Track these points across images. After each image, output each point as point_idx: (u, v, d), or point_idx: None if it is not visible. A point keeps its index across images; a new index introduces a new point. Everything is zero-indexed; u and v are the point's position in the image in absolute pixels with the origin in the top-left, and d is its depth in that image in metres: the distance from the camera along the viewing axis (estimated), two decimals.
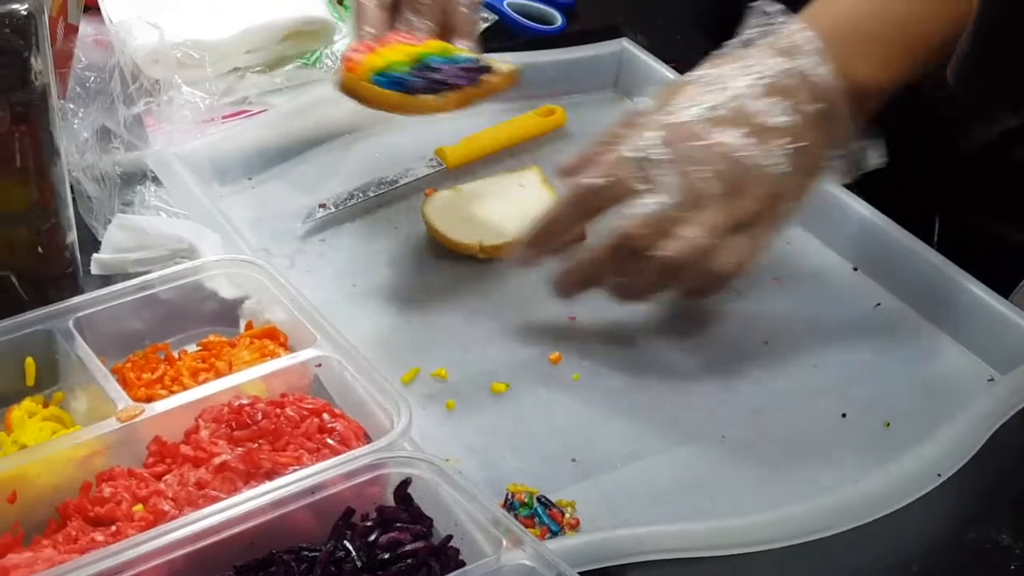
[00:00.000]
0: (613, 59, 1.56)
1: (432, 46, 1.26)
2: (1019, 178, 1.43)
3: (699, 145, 1.14)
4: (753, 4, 1.19)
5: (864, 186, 1.37)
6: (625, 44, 1.56)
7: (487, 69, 1.27)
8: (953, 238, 1.31)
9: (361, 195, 1.37)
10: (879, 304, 1.28)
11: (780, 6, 1.18)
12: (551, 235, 1.20)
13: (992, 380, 1.20)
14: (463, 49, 1.30)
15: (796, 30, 1.16)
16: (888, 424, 1.16)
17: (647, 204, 1.13)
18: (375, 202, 1.37)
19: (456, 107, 1.25)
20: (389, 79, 1.23)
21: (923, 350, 1.24)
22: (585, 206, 1.18)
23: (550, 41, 1.62)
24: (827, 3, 1.19)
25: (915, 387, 1.20)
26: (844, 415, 1.17)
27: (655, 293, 1.19)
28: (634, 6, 1.74)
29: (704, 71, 1.18)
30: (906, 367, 1.22)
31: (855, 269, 1.32)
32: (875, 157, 1.20)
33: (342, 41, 1.54)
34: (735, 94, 1.15)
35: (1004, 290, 1.26)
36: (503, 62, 1.30)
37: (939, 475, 1.08)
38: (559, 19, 1.67)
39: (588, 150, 1.19)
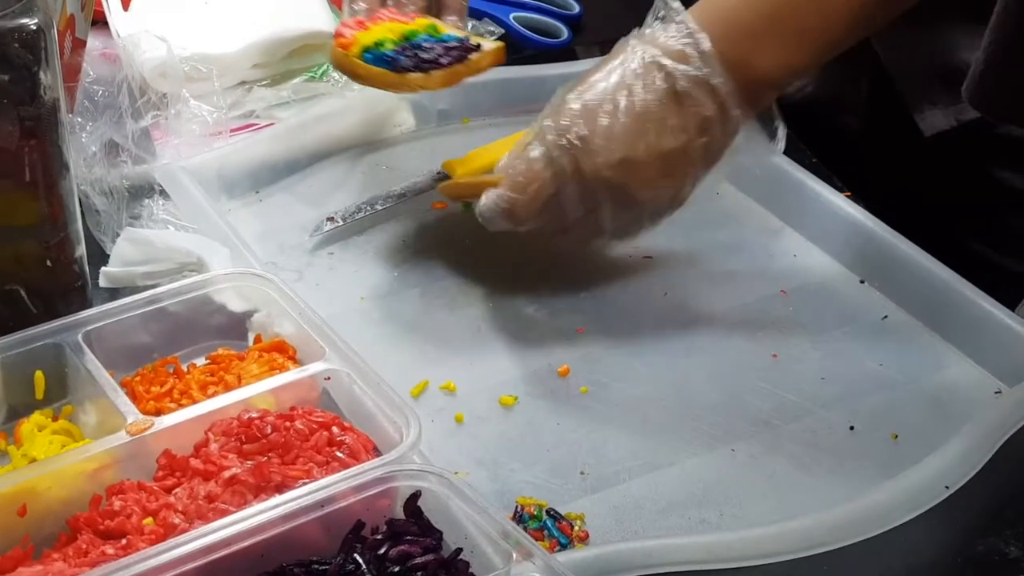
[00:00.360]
0: None
1: (420, 24, 1.31)
2: (1004, 202, 1.44)
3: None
4: None
5: (871, 199, 1.38)
6: None
7: (474, 47, 1.31)
8: (954, 253, 1.31)
9: (369, 208, 1.37)
10: (886, 317, 1.28)
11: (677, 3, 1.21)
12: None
13: (999, 392, 1.20)
14: (451, 27, 1.35)
15: (681, 22, 1.19)
16: (896, 436, 1.16)
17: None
18: (383, 215, 1.38)
19: (442, 85, 1.31)
20: (377, 56, 1.27)
21: (930, 363, 1.24)
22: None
23: (557, 54, 1.62)
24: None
25: (923, 400, 1.20)
26: (852, 427, 1.17)
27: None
28: (639, 19, 1.74)
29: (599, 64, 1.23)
30: (913, 380, 1.22)
31: (862, 282, 1.32)
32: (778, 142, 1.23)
33: None
34: (610, 79, 1.20)
35: (1010, 302, 1.26)
36: (489, 39, 1.35)
37: (947, 487, 1.08)
38: (565, 32, 1.68)
39: None
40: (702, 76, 1.17)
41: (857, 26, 1.18)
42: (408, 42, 1.29)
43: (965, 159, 1.44)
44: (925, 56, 1.39)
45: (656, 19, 1.21)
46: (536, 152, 1.20)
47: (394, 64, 1.27)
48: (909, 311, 1.28)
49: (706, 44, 1.17)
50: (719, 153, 1.21)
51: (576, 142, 1.18)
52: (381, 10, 1.33)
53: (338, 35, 1.31)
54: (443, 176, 1.41)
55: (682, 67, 1.17)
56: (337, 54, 1.30)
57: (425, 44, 1.29)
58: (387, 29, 1.30)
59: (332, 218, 1.36)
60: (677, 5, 1.20)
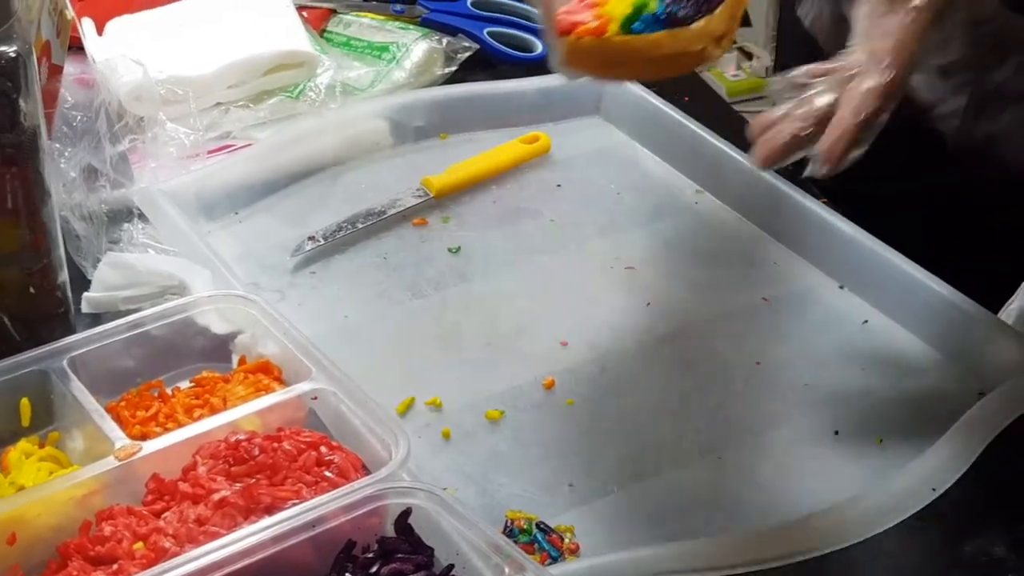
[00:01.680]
0: (596, 85, 1.56)
1: None
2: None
3: None
4: None
5: (849, 203, 1.39)
6: None
7: None
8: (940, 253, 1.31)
9: (349, 227, 1.37)
10: (866, 321, 1.29)
11: None
12: None
13: (982, 394, 1.20)
14: None
15: None
16: (881, 440, 1.16)
17: None
18: (363, 233, 1.38)
19: (727, 21, 1.10)
20: (647, 21, 1.06)
21: (912, 366, 1.24)
22: None
23: (531, 68, 1.62)
24: None
25: (906, 403, 1.20)
26: (837, 432, 1.17)
27: None
28: None
29: None
30: (896, 383, 1.22)
31: (841, 287, 1.32)
32: None
33: (325, 74, 1.54)
34: None
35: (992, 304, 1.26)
36: None
37: (934, 490, 1.08)
38: (540, 46, 1.67)
39: None
40: None
41: None
42: None
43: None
44: None
45: None
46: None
47: (672, 19, 1.06)
48: (889, 315, 1.29)
49: None
50: None
51: None
52: None
53: (571, 26, 1.07)
54: (423, 193, 1.41)
55: None
56: (586, 44, 1.06)
57: None
58: None
59: (313, 237, 1.36)
60: None
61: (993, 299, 1.27)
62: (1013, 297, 1.34)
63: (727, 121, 1.53)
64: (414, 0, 1.69)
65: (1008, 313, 1.35)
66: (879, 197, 1.45)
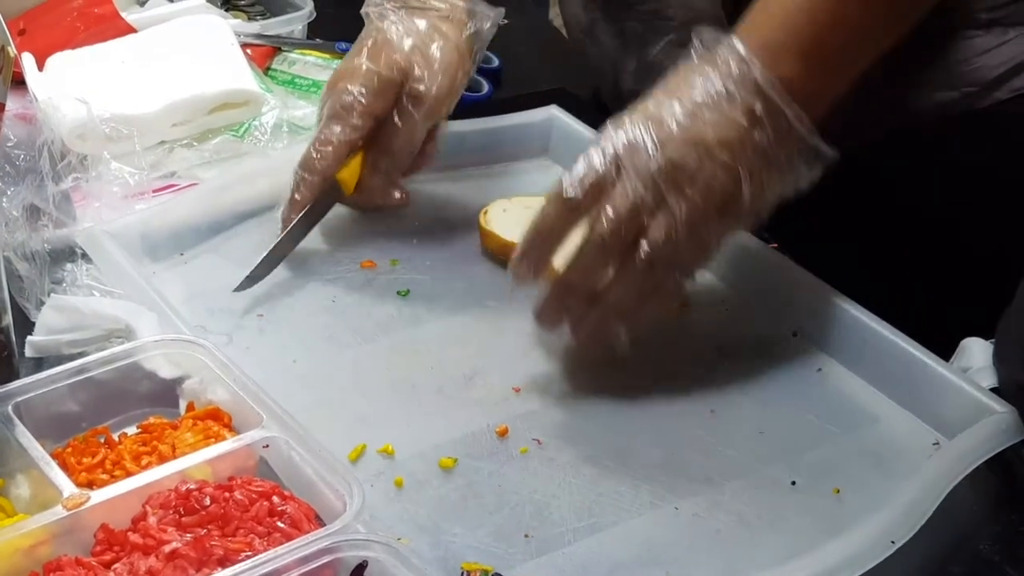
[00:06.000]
0: (544, 126, 1.55)
1: None
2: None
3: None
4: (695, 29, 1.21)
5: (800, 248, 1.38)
6: (555, 111, 1.56)
7: None
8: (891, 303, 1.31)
9: (277, 248, 1.36)
10: (820, 369, 1.28)
11: (712, 30, 1.20)
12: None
13: (937, 444, 1.20)
14: None
15: (727, 46, 1.18)
16: (838, 491, 1.15)
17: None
18: (311, 275, 1.36)
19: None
20: None
21: (867, 415, 1.24)
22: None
23: (477, 108, 1.61)
24: (751, 22, 1.20)
25: (862, 453, 1.19)
26: (793, 483, 1.16)
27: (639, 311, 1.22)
28: (558, 73, 1.75)
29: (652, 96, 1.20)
30: (852, 433, 1.22)
31: (794, 334, 1.32)
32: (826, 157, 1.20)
33: (271, 113, 1.52)
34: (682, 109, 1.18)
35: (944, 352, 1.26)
36: None
37: (893, 542, 1.07)
38: (486, 86, 1.67)
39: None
40: (746, 76, 1.17)
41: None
42: None
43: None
44: None
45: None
46: None
47: None
48: (843, 363, 1.28)
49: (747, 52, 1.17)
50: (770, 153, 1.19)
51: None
52: None
53: None
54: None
55: (723, 74, 1.18)
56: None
57: None
58: None
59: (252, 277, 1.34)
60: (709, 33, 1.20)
61: (950, 347, 1.26)
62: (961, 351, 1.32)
63: None
64: None
65: (960, 360, 1.34)
66: (830, 242, 1.45)
